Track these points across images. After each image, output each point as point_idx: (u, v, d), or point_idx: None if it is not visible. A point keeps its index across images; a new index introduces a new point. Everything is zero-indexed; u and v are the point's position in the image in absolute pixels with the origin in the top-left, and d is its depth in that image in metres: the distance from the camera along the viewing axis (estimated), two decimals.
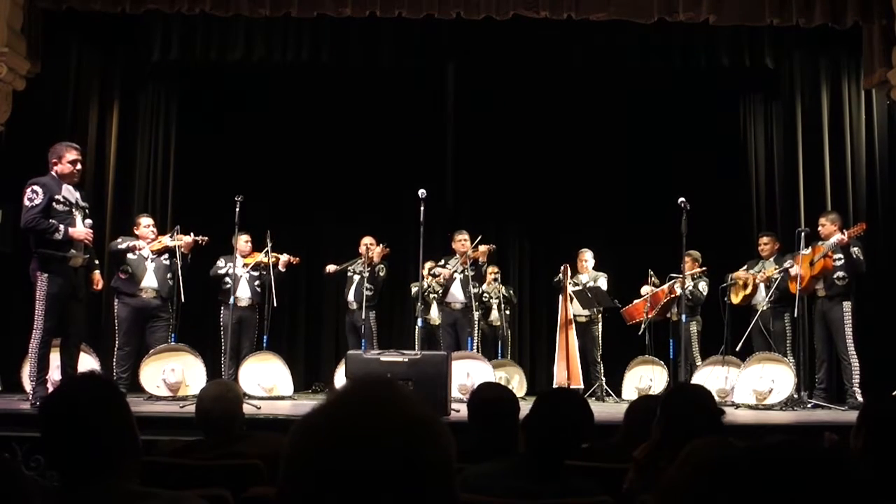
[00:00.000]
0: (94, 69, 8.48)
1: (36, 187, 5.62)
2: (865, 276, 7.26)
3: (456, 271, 8.31)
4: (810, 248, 7.27)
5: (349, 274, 8.49)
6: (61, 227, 5.59)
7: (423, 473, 0.95)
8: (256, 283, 8.10)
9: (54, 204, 5.62)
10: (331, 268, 8.50)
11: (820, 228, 7.29)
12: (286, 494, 0.96)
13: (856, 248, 7.03)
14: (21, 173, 6.29)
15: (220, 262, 8.04)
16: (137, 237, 7.41)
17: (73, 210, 5.71)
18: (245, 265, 8.01)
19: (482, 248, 8.13)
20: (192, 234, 7.43)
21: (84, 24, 7.94)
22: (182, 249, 7.32)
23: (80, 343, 5.88)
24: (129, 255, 7.25)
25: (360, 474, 0.93)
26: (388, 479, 0.93)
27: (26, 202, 5.62)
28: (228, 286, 7.72)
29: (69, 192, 5.71)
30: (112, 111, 8.68)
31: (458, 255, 8.31)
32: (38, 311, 5.66)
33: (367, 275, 8.25)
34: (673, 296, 8.09)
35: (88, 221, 5.80)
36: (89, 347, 6.92)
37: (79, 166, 5.77)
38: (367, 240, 8.40)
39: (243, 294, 8.01)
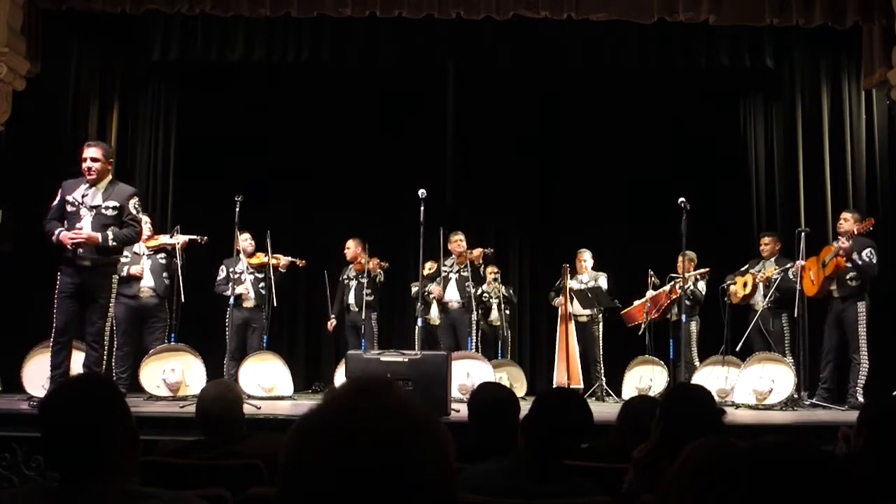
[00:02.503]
0: (94, 69, 8.48)
1: (60, 188, 5.75)
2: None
3: (452, 271, 8.35)
4: (822, 250, 7.24)
5: (345, 281, 8.53)
6: (55, 231, 5.59)
7: (423, 473, 0.95)
8: (261, 284, 8.11)
9: (66, 205, 5.67)
10: (330, 324, 8.64)
11: (840, 223, 7.18)
12: (286, 495, 0.96)
13: (866, 251, 6.96)
14: (21, 173, 6.29)
15: (221, 271, 8.04)
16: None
17: (82, 210, 5.65)
18: (250, 266, 8.02)
19: (476, 251, 8.15)
20: (186, 235, 7.43)
21: (84, 24, 7.94)
22: (179, 248, 7.33)
23: (93, 343, 5.73)
24: (122, 259, 7.23)
25: (360, 475, 0.93)
26: (387, 480, 0.93)
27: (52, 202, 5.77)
28: (229, 291, 7.74)
29: (80, 192, 5.68)
30: (112, 111, 8.68)
31: (454, 256, 8.33)
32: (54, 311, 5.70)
33: (364, 280, 8.28)
34: (674, 296, 8.09)
35: (79, 225, 5.62)
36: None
37: (88, 164, 5.66)
38: (349, 243, 8.44)
39: (246, 296, 8.03)
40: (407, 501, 0.94)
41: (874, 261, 6.98)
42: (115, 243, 5.78)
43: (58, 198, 5.71)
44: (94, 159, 5.68)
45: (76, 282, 5.64)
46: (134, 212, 5.83)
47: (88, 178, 5.68)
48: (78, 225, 5.62)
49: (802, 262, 7.31)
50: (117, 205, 5.73)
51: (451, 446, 1.00)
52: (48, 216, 5.70)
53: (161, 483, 2.14)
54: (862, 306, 7.04)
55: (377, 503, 0.93)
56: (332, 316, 8.62)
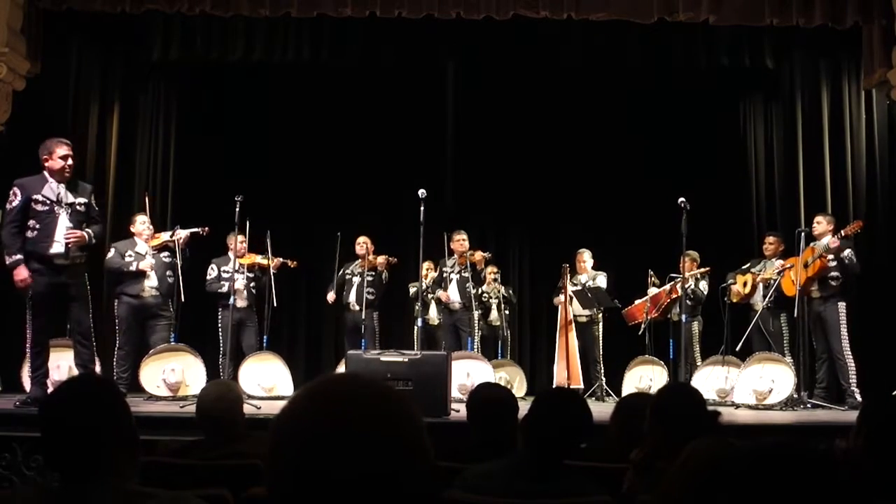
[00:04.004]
0: (94, 69, 8.48)
1: (15, 188, 5.61)
2: (865, 275, 7.25)
3: (453, 271, 8.35)
4: (804, 252, 7.27)
5: (348, 276, 8.50)
6: (15, 257, 5.51)
7: (400, 466, 0.95)
8: (252, 284, 8.10)
9: (33, 204, 5.58)
10: (331, 297, 8.54)
11: (814, 226, 7.30)
12: (274, 494, 0.97)
13: (847, 251, 7.02)
14: (21, 173, 6.28)
15: (212, 270, 8.02)
16: (133, 234, 7.39)
17: (56, 208, 5.63)
18: (241, 266, 8.00)
19: (478, 255, 8.16)
20: (187, 230, 7.44)
21: (84, 24, 7.94)
22: (179, 245, 7.33)
23: (84, 341, 5.79)
24: (128, 258, 7.24)
25: (338, 471, 0.93)
26: (366, 474, 0.93)
27: (7, 204, 5.64)
28: (224, 288, 7.74)
29: (51, 190, 5.63)
30: (112, 111, 8.68)
31: (455, 255, 8.33)
32: (28, 311, 5.68)
33: (369, 278, 8.27)
34: (674, 296, 8.09)
35: (68, 224, 5.64)
36: None
37: (70, 161, 5.67)
38: (363, 239, 8.41)
39: (241, 295, 8.02)
40: (387, 495, 0.94)
41: (855, 260, 7.05)
42: (94, 241, 5.88)
43: (18, 199, 5.56)
44: (72, 157, 5.74)
45: (55, 282, 5.64)
46: (96, 207, 5.94)
47: (66, 175, 5.69)
48: (67, 224, 5.64)
49: (782, 261, 7.38)
50: (85, 201, 5.80)
51: (422, 427, 1.00)
52: (12, 218, 5.56)
53: (161, 483, 2.14)
54: (842, 306, 7.08)
55: (358, 497, 0.93)
56: (332, 290, 8.51)
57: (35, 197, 5.59)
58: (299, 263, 8.42)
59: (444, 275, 8.40)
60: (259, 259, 8.02)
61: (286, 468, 0.95)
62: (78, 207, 5.74)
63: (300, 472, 0.94)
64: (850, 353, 7.00)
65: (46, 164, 5.67)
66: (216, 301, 8.01)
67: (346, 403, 0.98)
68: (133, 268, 7.17)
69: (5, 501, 1.80)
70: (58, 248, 5.62)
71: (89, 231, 5.75)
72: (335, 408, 0.97)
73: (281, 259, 8.16)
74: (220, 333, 7.93)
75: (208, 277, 8.02)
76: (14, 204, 5.57)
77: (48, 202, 5.62)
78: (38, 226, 5.58)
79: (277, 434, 0.98)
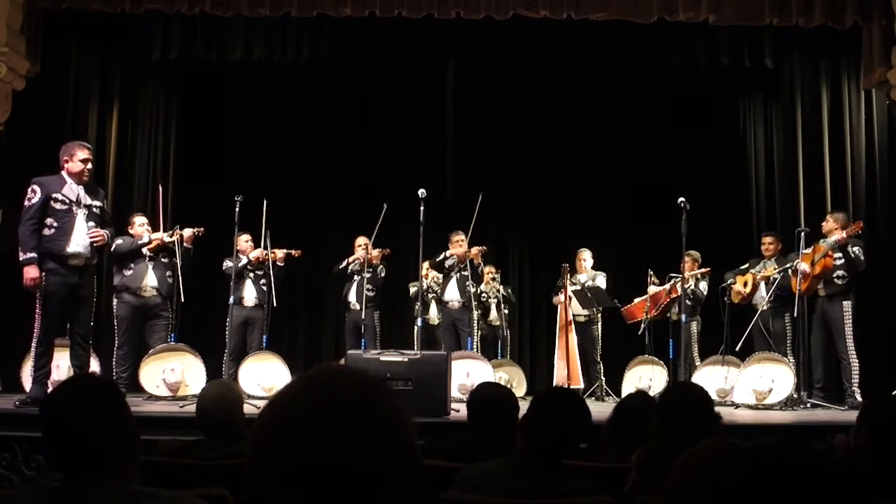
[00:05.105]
0: (94, 69, 8.48)
1: (34, 186, 5.67)
2: (865, 275, 7.26)
3: (453, 270, 8.34)
4: (811, 248, 7.28)
5: (348, 272, 8.51)
6: (29, 255, 5.54)
7: (386, 462, 0.95)
8: (262, 281, 8.11)
9: (52, 202, 5.63)
10: (368, 247, 8.34)
11: (823, 224, 7.30)
12: (253, 485, 0.97)
13: (856, 248, 7.04)
14: (21, 173, 6.30)
15: (228, 263, 8.03)
16: (132, 236, 7.40)
17: (75, 208, 5.70)
18: (249, 264, 8.02)
19: (475, 249, 8.15)
20: (187, 229, 7.45)
21: (84, 23, 7.94)
22: (186, 244, 7.33)
23: (83, 343, 5.84)
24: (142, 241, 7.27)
25: (320, 457, 0.94)
26: (346, 467, 0.93)
27: (25, 201, 5.68)
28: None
29: (70, 190, 5.70)
30: (112, 111, 8.67)
31: (455, 256, 8.32)
32: (37, 310, 5.69)
33: (367, 275, 8.26)
34: (674, 295, 8.09)
35: (90, 224, 5.75)
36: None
37: (90, 165, 5.79)
38: (362, 240, 8.41)
39: (249, 294, 8.04)
40: (369, 492, 0.94)
41: (862, 257, 7.06)
42: (111, 241, 6.07)
43: (37, 197, 5.60)
44: (92, 161, 5.86)
45: (70, 283, 5.67)
46: (108, 212, 6.09)
47: (84, 179, 5.77)
48: (85, 225, 5.71)
49: (800, 261, 7.38)
50: (100, 204, 5.91)
51: (412, 425, 1.00)
52: (32, 215, 5.59)
53: (161, 483, 2.14)
54: (847, 305, 7.08)
55: (340, 486, 0.93)
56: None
57: (54, 195, 5.65)
58: (301, 257, 8.38)
59: (445, 263, 8.35)
60: (265, 253, 8.02)
61: (268, 456, 0.95)
62: (94, 210, 5.82)
63: (281, 459, 0.94)
64: (854, 352, 7.00)
65: (66, 166, 5.73)
66: (223, 300, 7.99)
67: (331, 392, 0.98)
68: (145, 240, 7.19)
69: (5, 501, 1.80)
70: (74, 247, 5.68)
71: (107, 232, 5.88)
72: (320, 395, 0.98)
73: (285, 250, 8.14)
74: (227, 332, 7.94)
75: (226, 265, 7.95)
76: (33, 201, 5.63)
77: (67, 202, 5.68)
78: (55, 224, 5.63)
79: (261, 424, 0.99)
